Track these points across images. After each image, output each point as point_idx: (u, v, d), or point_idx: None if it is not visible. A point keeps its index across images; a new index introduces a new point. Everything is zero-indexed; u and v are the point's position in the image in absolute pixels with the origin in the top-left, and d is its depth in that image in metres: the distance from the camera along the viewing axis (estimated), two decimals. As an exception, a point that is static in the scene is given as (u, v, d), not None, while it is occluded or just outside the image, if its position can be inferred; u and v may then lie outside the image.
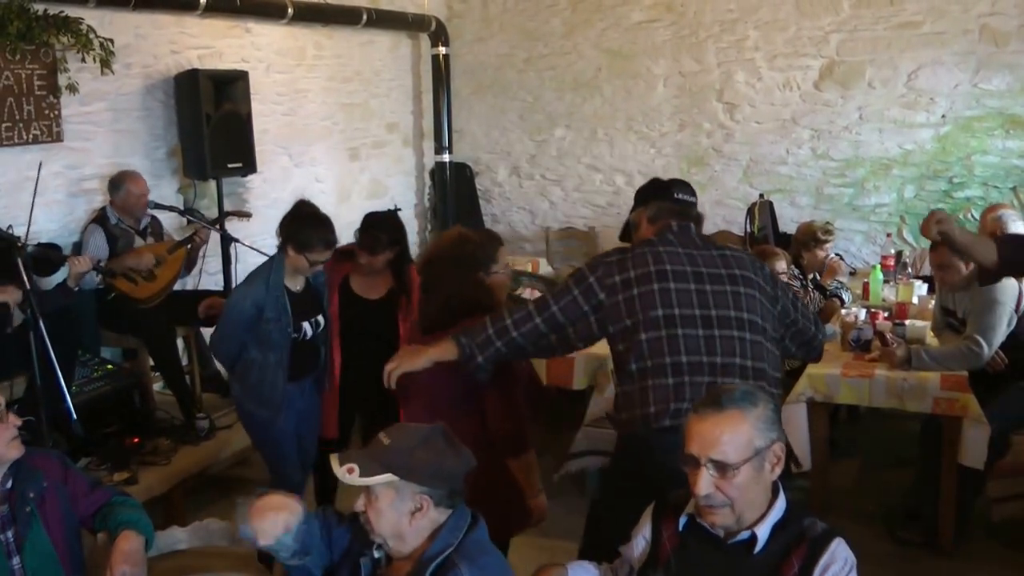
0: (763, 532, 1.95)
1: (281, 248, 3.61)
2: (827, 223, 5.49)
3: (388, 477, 1.94)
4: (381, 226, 3.81)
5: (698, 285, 2.62)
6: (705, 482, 1.91)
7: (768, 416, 1.96)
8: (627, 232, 3.05)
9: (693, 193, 2.97)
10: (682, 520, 2.05)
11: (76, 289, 4.05)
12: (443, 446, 2.01)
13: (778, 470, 1.97)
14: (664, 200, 2.86)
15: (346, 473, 1.95)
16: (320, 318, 3.73)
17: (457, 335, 2.67)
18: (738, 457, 1.90)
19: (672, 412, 2.48)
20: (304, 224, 3.59)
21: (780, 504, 1.99)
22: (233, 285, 5.22)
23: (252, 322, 3.53)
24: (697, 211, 2.95)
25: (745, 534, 1.96)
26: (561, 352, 2.79)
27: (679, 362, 2.53)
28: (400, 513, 1.96)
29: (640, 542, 2.17)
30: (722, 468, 1.91)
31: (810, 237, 5.16)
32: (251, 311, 3.52)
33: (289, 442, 3.73)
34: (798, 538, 1.95)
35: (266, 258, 5.27)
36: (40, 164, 4.34)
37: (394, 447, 1.98)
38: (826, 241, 5.19)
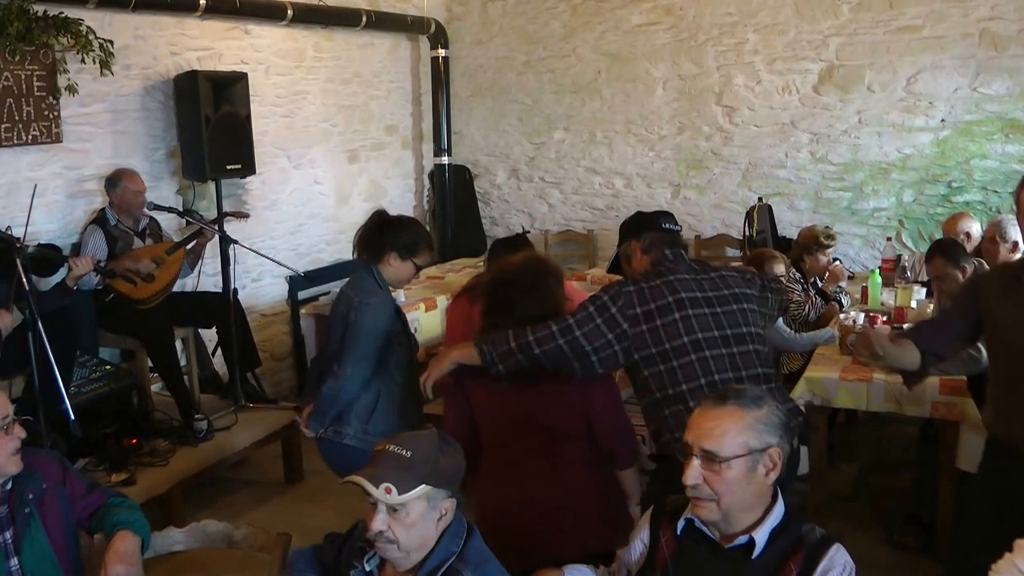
0: (761, 537, 1.95)
1: (374, 260, 3.32)
2: (828, 228, 5.50)
3: (423, 488, 1.92)
4: (516, 251, 3.59)
5: (711, 309, 2.82)
6: (693, 471, 1.94)
7: (771, 420, 1.96)
8: (616, 264, 3.17)
9: (676, 223, 3.13)
10: (680, 524, 2.05)
11: (75, 288, 4.05)
12: (450, 448, 2.01)
13: (773, 475, 1.96)
14: (654, 231, 3.01)
15: (384, 493, 1.90)
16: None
17: (478, 343, 2.77)
18: (729, 452, 1.92)
19: None
20: (403, 229, 3.36)
21: (778, 509, 1.99)
22: (232, 287, 5.20)
23: (388, 340, 3.24)
24: (682, 239, 3.13)
25: (743, 539, 1.96)
26: (581, 376, 2.81)
27: (713, 381, 2.72)
28: (430, 522, 1.95)
29: (638, 546, 2.17)
30: (710, 459, 1.92)
31: (812, 242, 5.17)
32: (388, 326, 3.24)
33: None
34: (796, 544, 1.95)
35: (269, 260, 5.35)
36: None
37: (419, 457, 1.95)
38: (829, 246, 5.21)
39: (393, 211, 3.83)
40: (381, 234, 3.34)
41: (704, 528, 2.01)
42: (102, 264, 4.24)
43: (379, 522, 1.92)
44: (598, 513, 2.75)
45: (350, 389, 3.26)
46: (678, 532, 2.05)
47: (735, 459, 1.91)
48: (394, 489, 1.90)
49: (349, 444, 3.31)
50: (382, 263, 3.32)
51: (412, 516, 1.92)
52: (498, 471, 2.81)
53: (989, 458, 2.89)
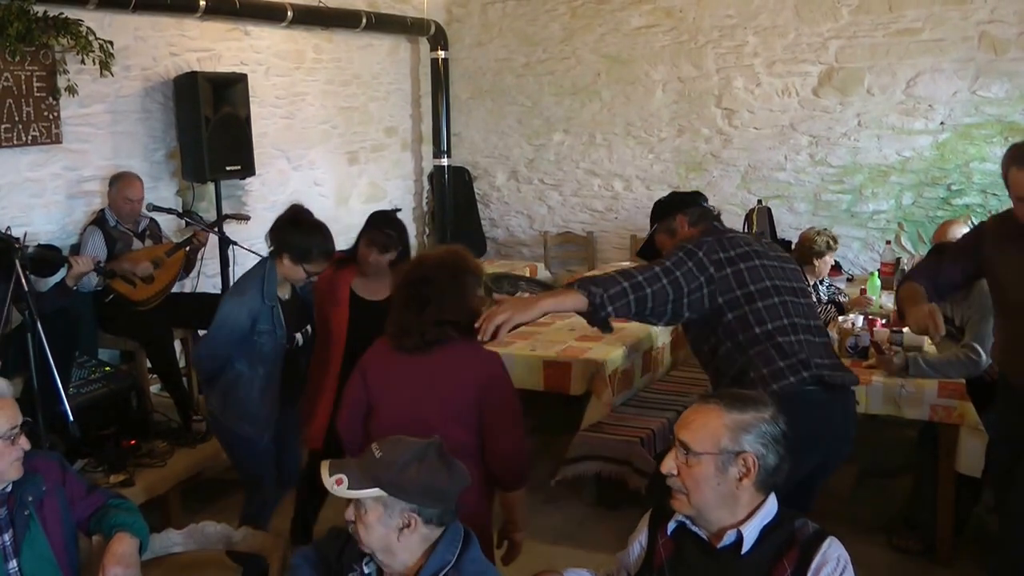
0: (750, 532, 1.95)
1: (274, 255, 3.40)
2: (827, 230, 5.50)
3: (376, 492, 1.91)
4: (391, 224, 3.70)
5: (778, 262, 2.98)
6: (670, 459, 1.99)
7: (753, 427, 1.96)
8: (649, 247, 3.19)
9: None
10: (671, 525, 2.05)
11: (74, 288, 4.04)
12: (437, 463, 1.96)
13: (747, 481, 1.95)
14: (697, 206, 3.12)
15: (335, 484, 1.92)
16: (309, 328, 3.60)
17: (585, 284, 2.72)
18: (700, 447, 1.95)
19: (801, 364, 2.84)
20: (302, 232, 3.37)
21: (770, 507, 1.99)
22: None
23: (245, 334, 3.32)
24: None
25: (731, 535, 1.96)
26: (668, 321, 2.91)
27: (794, 323, 2.89)
28: (388, 528, 1.93)
29: (636, 548, 2.17)
30: (684, 451, 1.96)
31: (824, 244, 5.17)
32: (246, 323, 3.32)
33: (271, 459, 3.59)
34: (789, 541, 1.95)
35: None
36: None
37: (386, 461, 1.94)
38: (836, 249, 5.25)
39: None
40: (282, 232, 3.39)
41: (696, 529, 2.01)
42: (102, 264, 4.23)
43: (348, 512, 1.98)
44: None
45: (204, 365, 3.48)
46: (668, 533, 2.05)
47: (704, 455, 1.94)
48: (345, 482, 1.92)
49: (212, 412, 3.54)
50: (278, 259, 3.38)
51: (369, 517, 1.93)
52: None
53: (1001, 390, 3.24)
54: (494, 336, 2.55)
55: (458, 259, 2.80)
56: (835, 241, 5.24)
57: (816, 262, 5.16)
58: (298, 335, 3.52)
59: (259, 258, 5.26)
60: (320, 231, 3.40)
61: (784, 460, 1.98)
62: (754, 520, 1.96)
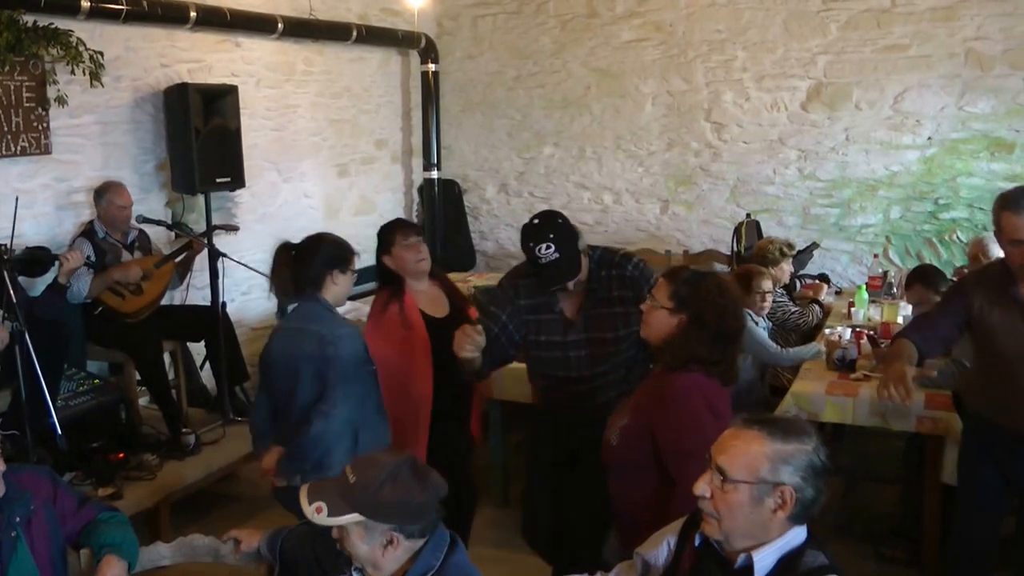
0: (763, 559, 1.89)
1: (317, 285, 3.16)
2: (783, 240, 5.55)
3: (355, 517, 1.93)
4: (403, 220, 3.80)
5: None
6: (703, 482, 1.91)
7: (793, 458, 1.88)
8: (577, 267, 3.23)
9: None
10: (698, 537, 2.01)
11: (67, 286, 4.03)
12: (410, 480, 1.96)
13: (782, 514, 1.87)
14: None
15: (315, 512, 1.94)
16: None
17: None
18: (737, 474, 1.86)
19: None
20: (329, 245, 3.25)
21: (794, 536, 1.91)
22: (221, 300, 5.18)
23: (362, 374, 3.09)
24: None
25: (742, 559, 1.91)
26: None
27: None
28: (372, 546, 1.96)
29: (664, 548, 2.13)
30: (720, 476, 1.88)
31: (777, 252, 5.18)
32: (365, 357, 3.10)
33: None
34: (795, 572, 1.88)
35: (258, 273, 5.32)
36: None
37: (360, 484, 1.95)
38: (790, 255, 5.27)
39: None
40: (311, 260, 3.19)
41: (716, 543, 1.96)
42: (92, 259, 4.23)
43: (335, 529, 2.00)
44: None
45: (336, 428, 3.07)
46: (696, 543, 2.00)
47: (741, 484, 1.86)
48: (325, 510, 1.93)
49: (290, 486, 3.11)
50: (324, 287, 3.17)
51: (352, 537, 1.96)
52: None
53: (972, 431, 3.41)
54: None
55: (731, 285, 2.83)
56: (789, 247, 5.29)
57: (774, 270, 5.13)
58: None
59: (249, 271, 5.33)
60: (333, 235, 3.34)
61: (822, 493, 1.91)
62: (771, 547, 1.89)
